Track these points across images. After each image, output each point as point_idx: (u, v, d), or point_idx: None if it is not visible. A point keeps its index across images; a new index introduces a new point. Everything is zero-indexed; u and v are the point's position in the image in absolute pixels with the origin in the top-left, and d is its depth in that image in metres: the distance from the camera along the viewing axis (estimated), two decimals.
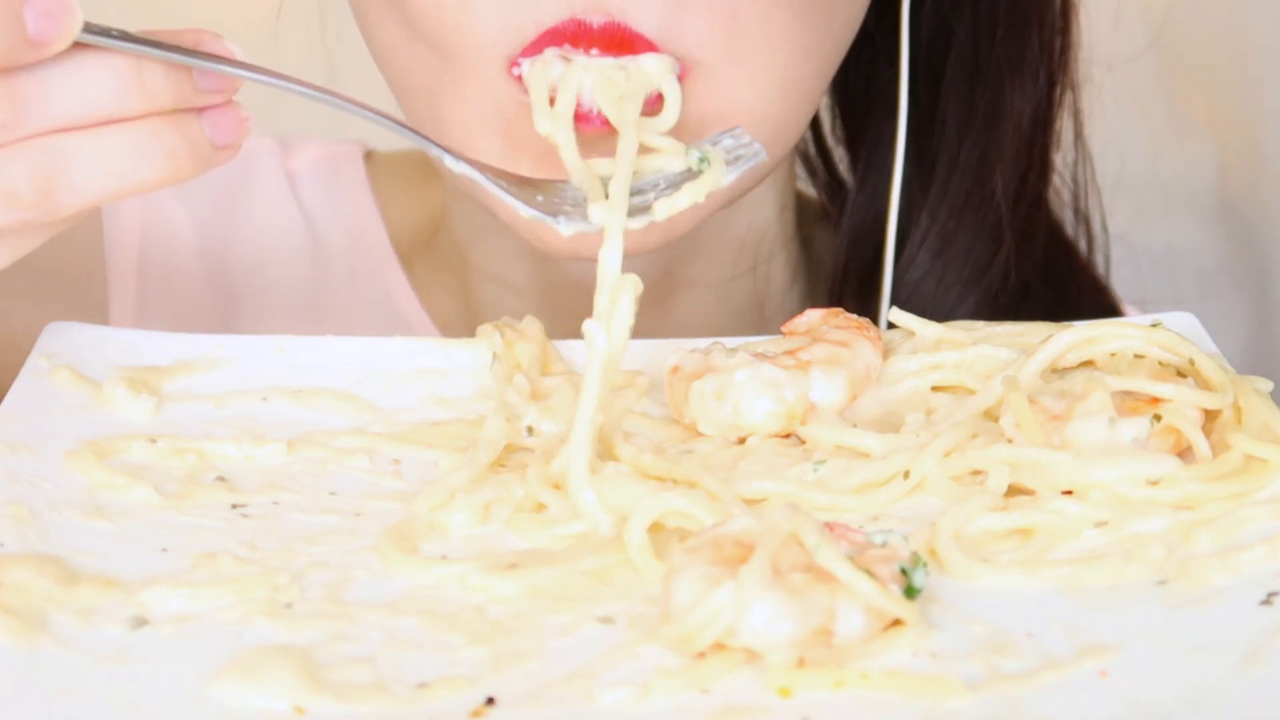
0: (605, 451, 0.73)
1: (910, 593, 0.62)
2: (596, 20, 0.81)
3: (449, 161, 0.74)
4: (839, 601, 0.61)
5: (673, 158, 0.76)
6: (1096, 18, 1.06)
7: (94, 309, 1.03)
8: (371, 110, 0.72)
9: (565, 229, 0.74)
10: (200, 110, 0.70)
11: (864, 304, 1.04)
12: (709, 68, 0.83)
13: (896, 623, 0.62)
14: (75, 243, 1.06)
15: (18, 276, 1.03)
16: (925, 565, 0.63)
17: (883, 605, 0.61)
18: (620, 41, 0.81)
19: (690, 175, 0.76)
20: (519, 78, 0.83)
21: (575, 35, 0.81)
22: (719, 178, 0.75)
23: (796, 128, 0.91)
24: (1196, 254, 1.54)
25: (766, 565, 0.61)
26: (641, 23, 0.81)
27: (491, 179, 0.74)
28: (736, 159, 0.77)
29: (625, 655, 0.61)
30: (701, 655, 0.61)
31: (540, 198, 0.75)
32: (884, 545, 0.63)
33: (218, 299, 1.06)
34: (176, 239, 1.07)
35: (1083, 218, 1.08)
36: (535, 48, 0.82)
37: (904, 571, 0.62)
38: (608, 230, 0.72)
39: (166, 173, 0.69)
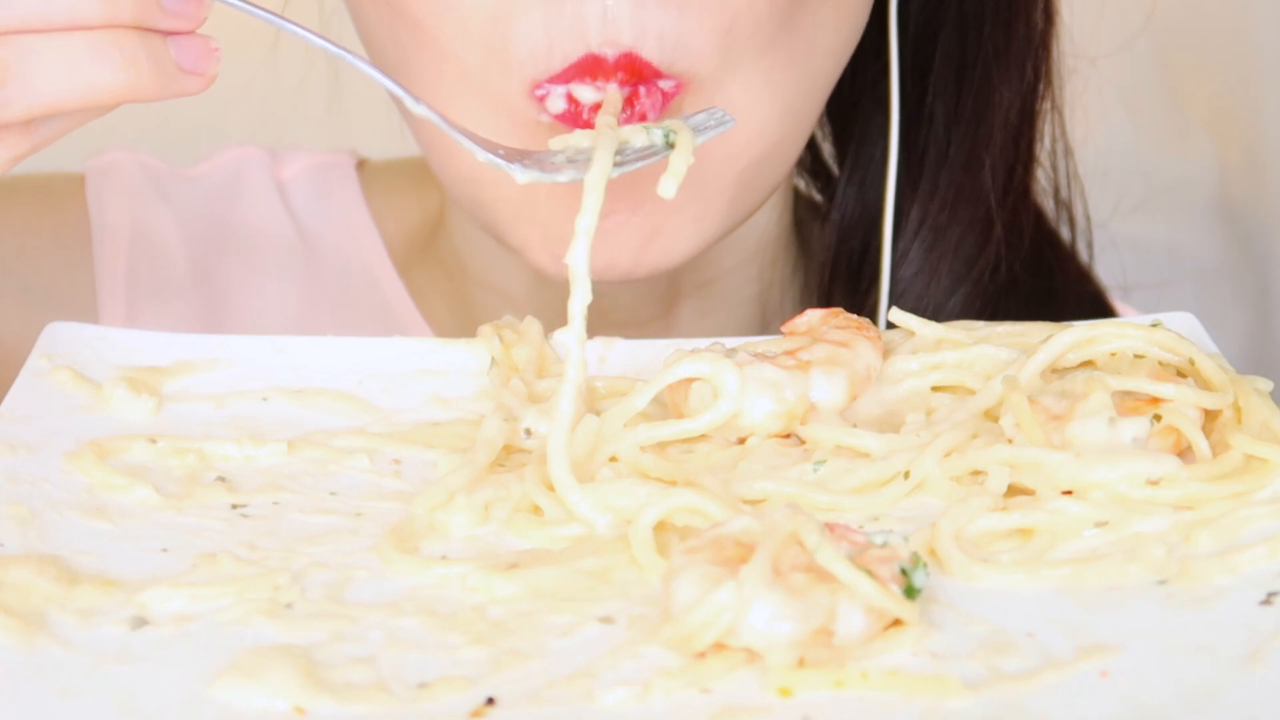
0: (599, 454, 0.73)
1: (910, 593, 0.62)
2: (611, 54, 0.82)
3: (409, 103, 0.74)
4: (839, 601, 0.61)
5: (633, 134, 0.77)
6: (1082, 10, 1.06)
7: (83, 319, 1.03)
8: (335, 45, 0.72)
9: (520, 176, 0.74)
10: (166, 34, 0.70)
11: (854, 297, 1.05)
12: (708, 80, 0.84)
13: (897, 623, 0.62)
14: (63, 252, 1.06)
15: (4, 288, 1.03)
16: (925, 565, 0.63)
17: (883, 605, 0.61)
18: (633, 71, 0.82)
19: (652, 150, 0.77)
20: (540, 98, 0.84)
21: (594, 69, 0.82)
22: (690, 142, 0.76)
23: (798, 138, 0.91)
24: (1196, 254, 1.54)
25: (767, 565, 0.61)
26: (650, 52, 0.82)
27: (452, 124, 0.75)
28: (705, 129, 0.78)
29: (625, 655, 0.61)
30: (702, 655, 0.61)
31: (501, 150, 0.75)
32: (884, 546, 0.63)
33: (207, 308, 1.06)
34: (165, 248, 1.07)
35: (1064, 206, 1.08)
36: (560, 80, 0.83)
37: (904, 572, 0.62)
38: (579, 227, 0.73)
39: (126, 81, 0.68)
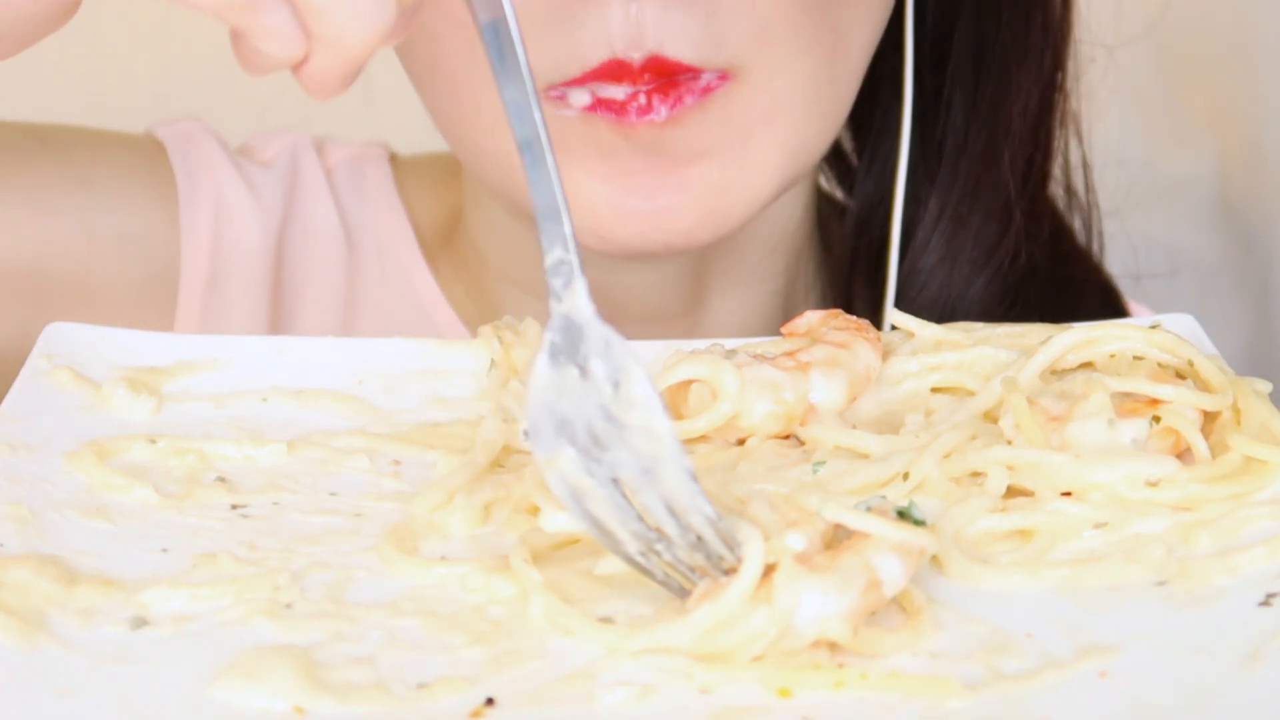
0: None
1: (905, 513, 0.63)
2: (637, 57, 0.82)
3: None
4: (868, 556, 0.61)
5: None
6: (1097, 4, 1.07)
7: (168, 283, 1.04)
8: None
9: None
10: None
11: (873, 288, 1.05)
12: (749, 73, 0.85)
13: (911, 617, 0.62)
14: (154, 207, 1.06)
15: (102, 228, 1.03)
16: (917, 507, 0.64)
17: (904, 538, 0.61)
18: (661, 72, 0.83)
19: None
20: (557, 98, 0.84)
21: (618, 73, 0.83)
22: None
23: (832, 127, 0.92)
24: (1196, 254, 1.54)
25: (796, 566, 0.61)
26: (679, 51, 0.83)
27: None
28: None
29: (625, 655, 0.61)
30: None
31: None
32: (870, 510, 0.63)
33: (271, 291, 1.07)
34: (245, 231, 1.07)
35: (1076, 196, 1.09)
36: (578, 83, 0.84)
37: (902, 514, 0.63)
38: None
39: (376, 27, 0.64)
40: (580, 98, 0.85)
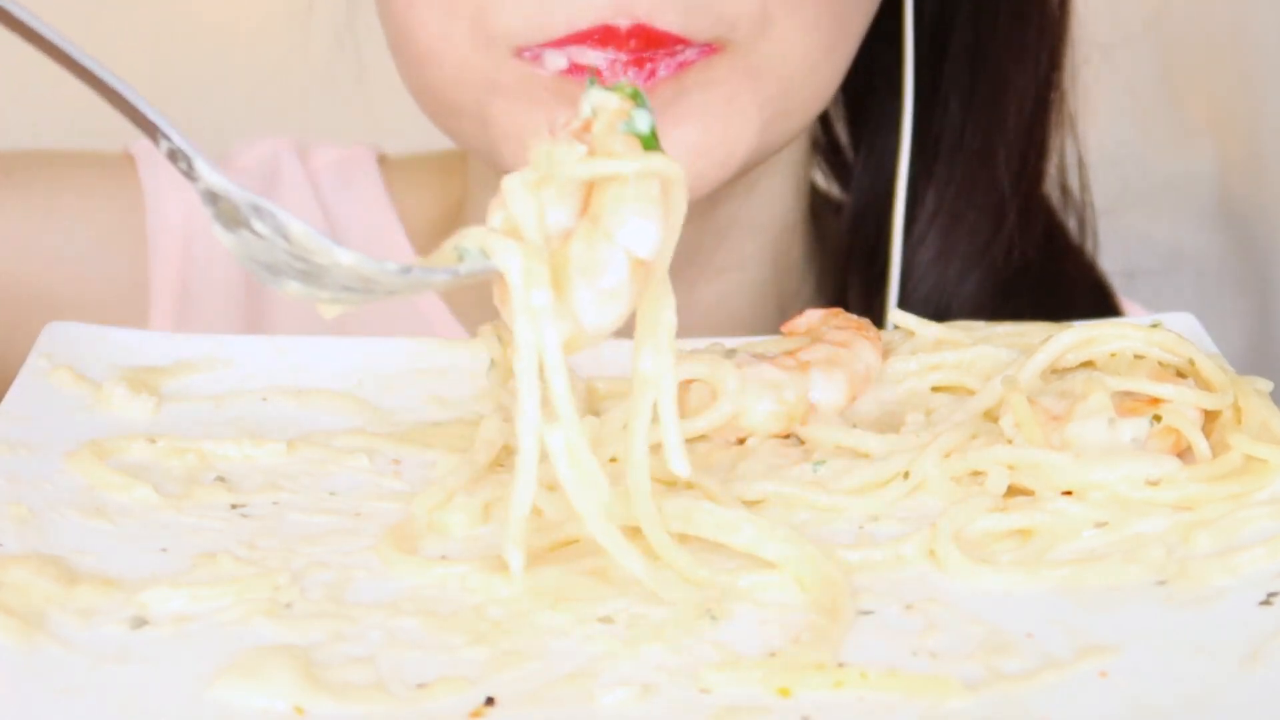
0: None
1: (649, 142, 0.60)
2: (624, 24, 0.82)
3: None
4: (612, 233, 0.61)
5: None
6: (1093, 3, 1.07)
7: (135, 296, 1.04)
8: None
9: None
10: None
11: (868, 283, 1.05)
12: (737, 43, 0.85)
13: None
14: (120, 224, 1.06)
15: (63, 253, 1.04)
16: (644, 101, 0.61)
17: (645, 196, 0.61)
18: (647, 41, 0.83)
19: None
20: (531, 58, 0.84)
21: (604, 38, 0.83)
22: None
23: (823, 93, 0.92)
24: (1196, 254, 1.54)
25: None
26: (668, 21, 0.83)
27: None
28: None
29: (625, 655, 0.61)
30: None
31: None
32: (594, 113, 0.61)
33: (247, 298, 1.07)
34: (216, 242, 1.07)
35: (1070, 195, 1.09)
36: (556, 45, 0.84)
37: (633, 132, 0.61)
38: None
39: None
40: (556, 61, 0.84)
